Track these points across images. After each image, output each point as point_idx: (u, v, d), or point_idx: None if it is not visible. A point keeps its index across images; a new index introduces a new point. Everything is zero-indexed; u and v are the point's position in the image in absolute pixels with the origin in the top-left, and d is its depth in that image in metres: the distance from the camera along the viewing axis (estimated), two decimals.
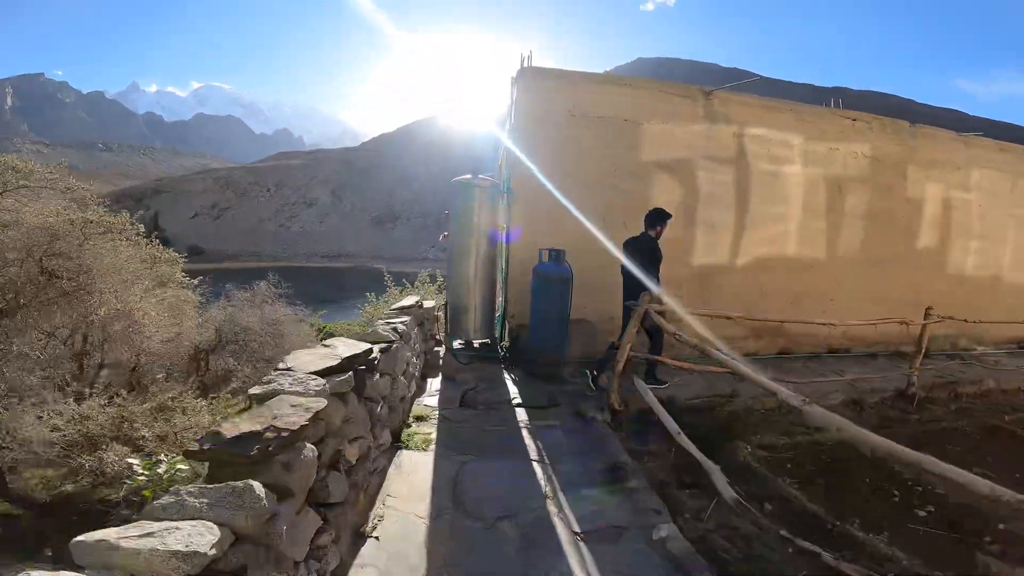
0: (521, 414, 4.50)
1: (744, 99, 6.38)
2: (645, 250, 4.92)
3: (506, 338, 6.43)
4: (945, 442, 4.35)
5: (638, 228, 6.18)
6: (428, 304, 6.54)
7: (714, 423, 4.55)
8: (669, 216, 5.04)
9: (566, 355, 5.54)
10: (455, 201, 5.84)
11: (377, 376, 3.26)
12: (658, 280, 4.77)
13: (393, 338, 3.88)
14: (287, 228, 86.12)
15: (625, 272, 4.99)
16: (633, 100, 6.00)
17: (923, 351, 5.42)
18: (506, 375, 5.57)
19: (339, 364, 2.61)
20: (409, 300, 5.53)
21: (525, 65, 5.80)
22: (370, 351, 3.08)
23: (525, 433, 4.12)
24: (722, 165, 6.32)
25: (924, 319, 5.35)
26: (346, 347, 2.98)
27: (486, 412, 4.54)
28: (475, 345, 6.49)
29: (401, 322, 4.46)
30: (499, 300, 6.71)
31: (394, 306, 5.36)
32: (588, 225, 5.66)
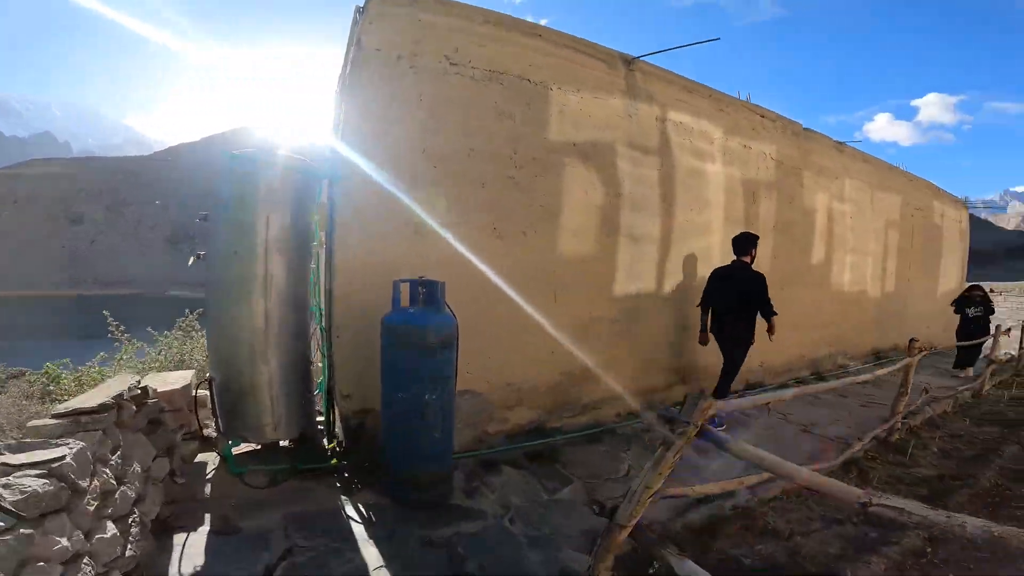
0: None
1: (667, 75, 4.81)
2: (746, 279, 4.40)
3: (339, 430, 3.78)
4: None
5: (544, 238, 4.10)
6: (173, 382, 3.54)
7: (760, 556, 2.58)
8: (758, 237, 4.66)
9: (452, 463, 3.13)
10: (222, 194, 3.04)
11: None
12: (772, 311, 4.42)
13: None
14: (42, 248, 67.27)
15: (725, 311, 4.50)
16: (542, 55, 3.94)
17: (908, 389, 4.21)
18: (349, 509, 2.94)
19: None
20: (103, 393, 2.49)
21: None
22: None
23: None
24: (646, 156, 4.60)
25: (909, 352, 4.16)
26: None
27: None
28: (282, 444, 3.70)
29: (41, 476, 1.66)
30: (316, 362, 4.03)
31: (60, 409, 2.29)
32: (450, 244, 3.37)
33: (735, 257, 4.56)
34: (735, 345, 4.42)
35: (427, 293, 2.76)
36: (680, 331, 5.06)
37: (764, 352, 6.06)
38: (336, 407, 3.70)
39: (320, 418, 4.05)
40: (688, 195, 4.98)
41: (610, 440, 4.03)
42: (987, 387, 5.90)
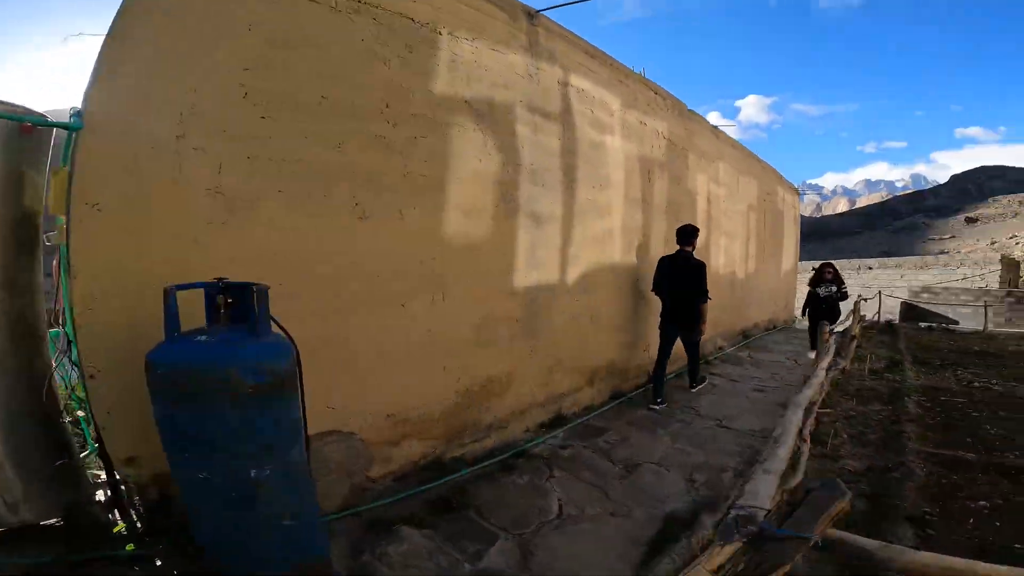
0: None
1: (570, 36, 4.13)
2: (689, 265, 4.75)
3: (135, 501, 2.50)
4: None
5: (427, 219, 3.08)
6: None
7: None
8: (699, 229, 5.06)
9: (325, 548, 2.08)
10: None
11: None
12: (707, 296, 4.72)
13: None
14: None
15: (672, 297, 4.84)
16: None
17: (823, 379, 4.05)
18: None
19: None
20: None
21: None
22: None
23: None
24: (547, 122, 3.85)
25: (823, 341, 3.98)
26: None
27: None
28: (45, 523, 2.32)
29: None
30: (70, 407, 2.65)
31: None
32: (285, 230, 2.33)
33: (678, 246, 4.92)
34: (691, 327, 4.82)
35: (234, 305, 1.66)
36: (584, 326, 4.47)
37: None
38: (116, 472, 2.42)
39: (104, 477, 2.72)
40: (590, 170, 4.37)
41: (527, 465, 3.27)
42: (848, 364, 6.28)
